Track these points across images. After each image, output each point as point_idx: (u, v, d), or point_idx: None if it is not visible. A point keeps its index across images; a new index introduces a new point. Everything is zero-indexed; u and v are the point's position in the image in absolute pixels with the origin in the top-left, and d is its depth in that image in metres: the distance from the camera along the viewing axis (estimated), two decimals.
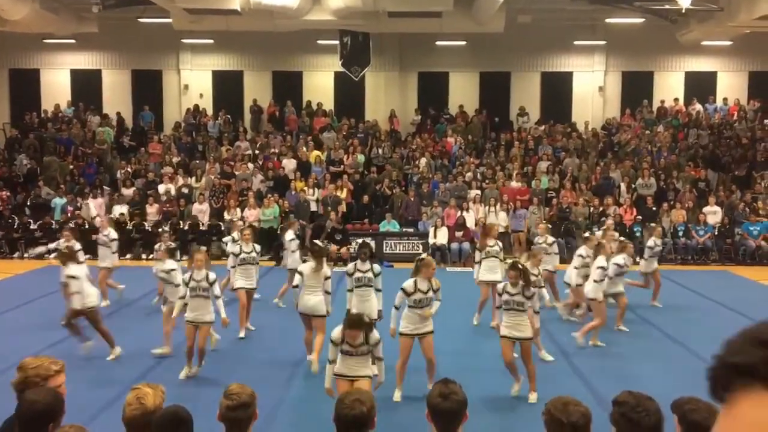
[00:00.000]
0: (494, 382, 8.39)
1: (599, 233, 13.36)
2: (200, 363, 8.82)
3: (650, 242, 13.47)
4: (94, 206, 19.53)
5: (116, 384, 7.96)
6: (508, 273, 8.34)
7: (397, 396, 7.93)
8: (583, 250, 11.49)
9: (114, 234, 12.80)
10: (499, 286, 8.46)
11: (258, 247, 11.42)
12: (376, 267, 9.28)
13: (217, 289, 8.86)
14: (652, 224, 15.73)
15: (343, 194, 19.93)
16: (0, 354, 9.23)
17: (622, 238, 12.44)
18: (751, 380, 0.60)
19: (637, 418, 3.12)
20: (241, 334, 10.55)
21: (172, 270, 9.73)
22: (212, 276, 8.81)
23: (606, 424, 3.29)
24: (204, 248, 10.01)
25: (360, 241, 11.81)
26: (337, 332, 6.45)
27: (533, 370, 8.09)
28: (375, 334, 6.53)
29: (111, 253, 12.70)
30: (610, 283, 10.43)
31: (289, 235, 12.87)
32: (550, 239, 13.20)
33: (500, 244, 12.01)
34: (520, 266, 8.13)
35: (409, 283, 8.06)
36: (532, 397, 7.97)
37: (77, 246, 11.67)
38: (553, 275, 12.56)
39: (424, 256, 8.99)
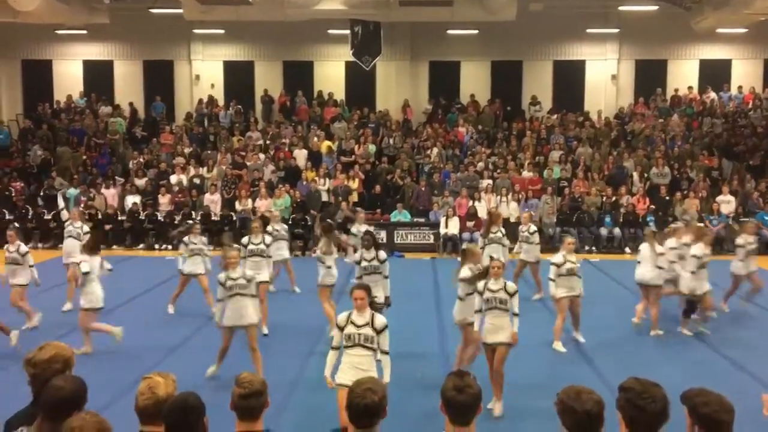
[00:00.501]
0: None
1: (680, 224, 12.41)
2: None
3: (740, 240, 12.02)
4: (108, 196, 19.70)
5: (129, 374, 8.02)
6: (490, 265, 7.62)
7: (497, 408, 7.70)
8: (698, 249, 10.45)
9: (24, 247, 11.05)
10: (479, 285, 7.62)
11: (268, 239, 10.97)
12: (381, 254, 9.37)
13: (253, 288, 8.38)
14: (745, 219, 14.93)
15: (354, 184, 19.94)
16: (13, 345, 9.33)
17: (700, 224, 11.97)
18: None
19: (643, 404, 3.10)
20: (264, 330, 10.17)
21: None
22: (249, 273, 8.44)
23: (613, 410, 3.28)
24: (236, 246, 9.62)
25: (362, 229, 11.74)
26: (342, 315, 6.34)
27: (502, 380, 7.45)
28: (381, 318, 6.33)
29: (27, 267, 10.90)
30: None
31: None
32: (533, 228, 12.79)
33: (503, 230, 12.06)
34: (503, 261, 7.75)
35: (465, 272, 8.04)
36: (498, 408, 7.38)
37: None
38: (536, 266, 12.47)
39: (466, 245, 9.06)
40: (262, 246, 10.71)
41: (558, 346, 9.67)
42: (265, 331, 10.19)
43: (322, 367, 6.38)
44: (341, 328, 6.26)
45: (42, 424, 3.23)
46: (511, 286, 7.57)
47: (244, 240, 10.88)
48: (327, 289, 10.08)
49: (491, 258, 8.31)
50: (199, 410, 3.28)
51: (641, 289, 10.70)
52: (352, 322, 6.23)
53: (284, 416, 7.12)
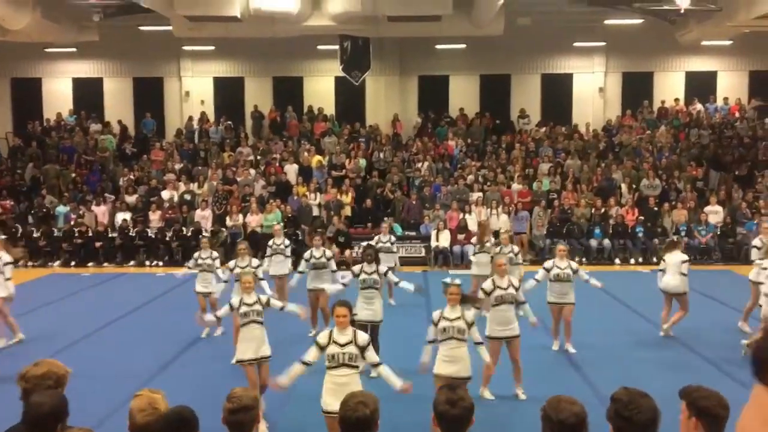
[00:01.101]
0: (495, 377, 8.42)
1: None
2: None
3: (756, 241, 11.85)
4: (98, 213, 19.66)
5: (121, 392, 7.99)
6: (448, 291, 7.18)
7: (487, 394, 8.14)
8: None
9: (7, 257, 10.60)
10: (435, 314, 7.20)
11: (255, 262, 10.74)
12: (382, 268, 9.54)
13: (277, 303, 8.06)
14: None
15: (347, 199, 20.00)
16: (8, 360, 9.28)
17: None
18: None
19: (629, 414, 3.14)
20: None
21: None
22: (264, 297, 7.86)
23: (603, 420, 3.33)
24: (252, 269, 9.43)
25: (365, 244, 11.81)
26: (323, 334, 6.25)
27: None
28: (363, 335, 6.26)
29: (4, 280, 10.54)
30: None
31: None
32: (516, 249, 12.54)
33: (493, 240, 12.16)
34: (459, 284, 7.28)
35: (487, 284, 8.28)
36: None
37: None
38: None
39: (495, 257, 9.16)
40: (249, 269, 10.17)
41: (554, 345, 10.24)
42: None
43: (312, 384, 6.37)
44: (322, 348, 6.13)
45: None
46: (469, 315, 7.16)
47: (231, 264, 10.50)
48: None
49: (446, 284, 7.60)
50: (194, 423, 3.31)
51: (665, 297, 10.86)
52: (335, 342, 6.09)
53: (281, 422, 7.12)
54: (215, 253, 11.60)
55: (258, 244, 18.72)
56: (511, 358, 8.29)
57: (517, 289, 8.34)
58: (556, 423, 3.23)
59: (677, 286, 10.61)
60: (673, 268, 10.64)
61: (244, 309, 7.55)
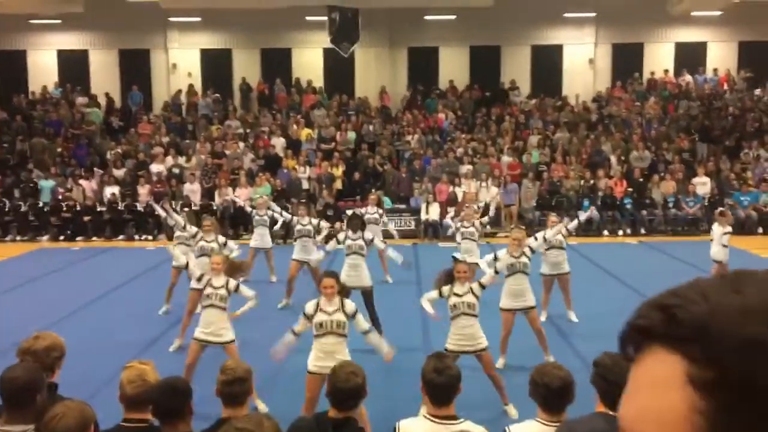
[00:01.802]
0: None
1: None
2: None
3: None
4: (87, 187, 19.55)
5: (111, 365, 8.01)
6: (455, 268, 7.07)
7: (500, 363, 8.09)
8: None
9: None
10: (445, 289, 6.99)
11: (221, 239, 10.30)
12: (368, 235, 9.62)
13: (246, 291, 7.55)
14: None
15: (338, 172, 19.96)
16: None
17: None
18: (651, 341, 0.68)
19: (614, 378, 3.23)
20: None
21: None
22: (233, 283, 7.39)
23: (589, 387, 3.41)
24: (225, 252, 8.98)
25: (349, 212, 11.81)
26: (310, 304, 6.27)
27: (501, 380, 7.11)
28: (351, 303, 6.29)
29: None
30: None
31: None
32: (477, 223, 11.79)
33: (476, 224, 11.52)
34: (465, 260, 7.40)
35: (502, 254, 8.16)
36: (512, 412, 6.92)
37: None
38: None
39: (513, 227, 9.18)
40: (213, 245, 9.91)
41: (542, 316, 10.01)
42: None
43: (302, 358, 6.42)
44: (309, 317, 6.17)
45: (9, 415, 3.27)
46: (477, 289, 7.02)
47: (197, 238, 10.12)
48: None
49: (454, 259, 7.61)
50: (187, 393, 3.35)
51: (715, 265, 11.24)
52: (322, 310, 6.11)
53: (274, 396, 7.18)
54: (221, 237, 10.65)
55: (247, 217, 18.75)
56: (533, 329, 8.33)
57: (529, 258, 8.34)
58: (542, 386, 3.35)
59: (716, 253, 11.17)
60: (717, 239, 11.22)
61: (208, 290, 7.22)
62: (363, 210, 13.89)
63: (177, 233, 10.99)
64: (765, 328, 0.61)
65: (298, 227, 11.25)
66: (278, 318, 10.34)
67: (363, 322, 6.38)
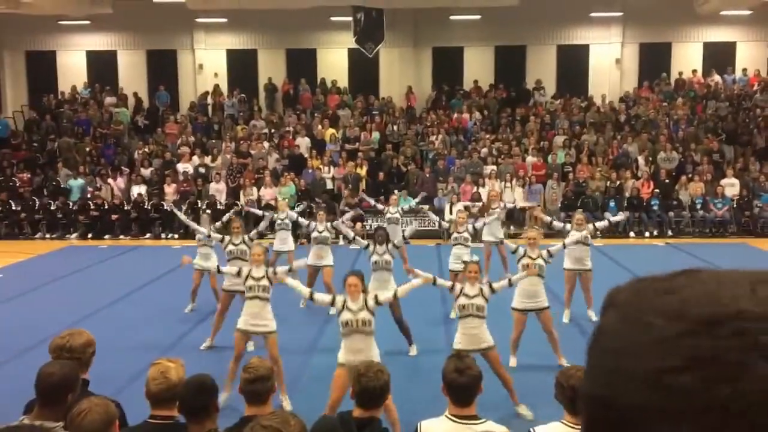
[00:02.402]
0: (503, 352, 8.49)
1: None
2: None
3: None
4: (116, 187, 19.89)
5: (139, 362, 8.13)
6: (467, 268, 7.28)
7: (512, 362, 8.19)
8: None
9: None
10: (457, 288, 7.16)
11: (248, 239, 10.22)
12: (393, 244, 9.59)
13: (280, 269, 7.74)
14: None
15: (363, 172, 20.01)
16: (26, 332, 9.47)
17: None
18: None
19: None
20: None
21: None
22: (271, 270, 7.56)
23: None
24: (264, 243, 9.21)
25: (376, 225, 11.62)
26: (339, 298, 6.39)
27: (510, 381, 7.09)
28: (371, 300, 6.34)
29: None
30: None
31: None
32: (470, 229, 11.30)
33: (470, 228, 11.25)
34: (477, 260, 7.78)
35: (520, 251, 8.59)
36: (524, 412, 6.94)
37: None
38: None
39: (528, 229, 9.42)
40: (243, 247, 9.83)
41: (565, 317, 10.15)
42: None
43: (326, 358, 6.46)
44: (334, 305, 6.49)
45: (40, 411, 3.32)
46: (487, 291, 7.09)
47: (225, 241, 10.01)
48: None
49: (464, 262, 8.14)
50: (214, 391, 3.40)
51: None
52: (348, 308, 6.19)
53: (297, 396, 7.23)
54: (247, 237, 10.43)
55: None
56: (544, 330, 8.32)
57: (546, 261, 8.41)
58: (567, 389, 3.35)
59: None
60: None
61: (250, 282, 7.35)
62: (385, 209, 13.91)
63: (198, 236, 10.95)
64: (604, 387, 0.61)
65: (315, 234, 11.18)
66: (299, 318, 10.41)
67: (386, 294, 6.76)
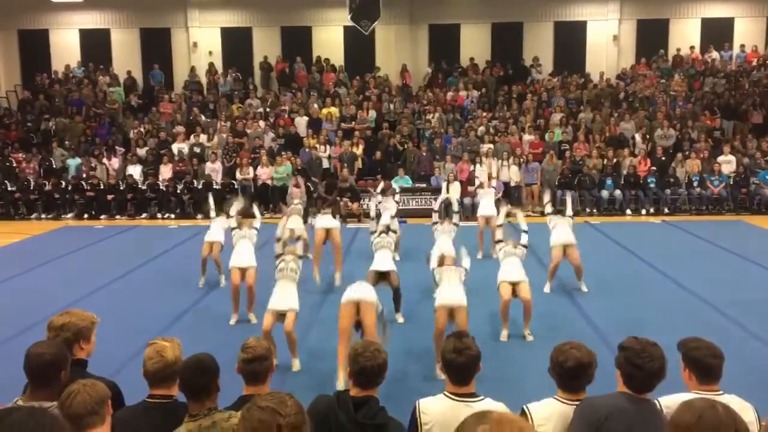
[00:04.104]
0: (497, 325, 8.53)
1: None
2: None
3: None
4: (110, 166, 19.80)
5: (137, 341, 8.13)
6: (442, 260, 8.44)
7: (503, 336, 8.54)
8: None
9: None
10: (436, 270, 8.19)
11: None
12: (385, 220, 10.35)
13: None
14: None
15: (358, 151, 19.94)
16: (23, 313, 9.47)
17: None
18: None
19: (641, 362, 3.27)
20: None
21: None
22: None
23: (614, 368, 3.43)
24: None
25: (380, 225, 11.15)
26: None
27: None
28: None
29: None
30: None
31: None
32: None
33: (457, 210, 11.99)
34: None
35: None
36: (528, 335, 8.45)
37: None
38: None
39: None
40: (253, 232, 10.13)
41: (546, 288, 10.55)
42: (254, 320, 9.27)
43: (323, 337, 6.45)
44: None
45: (32, 392, 3.31)
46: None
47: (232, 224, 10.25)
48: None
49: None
50: (214, 370, 3.39)
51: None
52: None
53: (287, 380, 7.25)
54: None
55: (268, 196, 18.83)
56: (522, 300, 8.59)
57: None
58: (558, 365, 3.45)
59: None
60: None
61: (281, 265, 7.97)
62: (376, 190, 13.88)
63: (213, 215, 11.65)
64: None
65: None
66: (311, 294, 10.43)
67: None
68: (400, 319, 9.26)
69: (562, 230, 10.63)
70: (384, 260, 9.33)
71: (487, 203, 13.56)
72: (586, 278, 10.66)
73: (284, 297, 7.69)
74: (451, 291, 7.42)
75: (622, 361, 3.36)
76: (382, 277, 9.08)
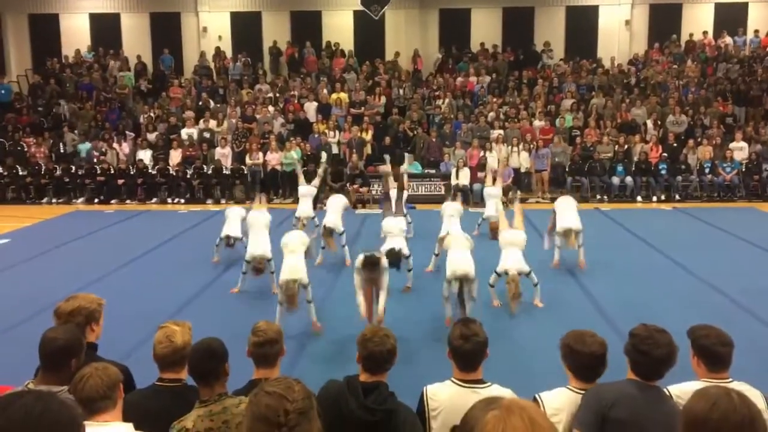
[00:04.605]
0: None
1: None
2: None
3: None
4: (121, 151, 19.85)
5: (148, 324, 8.17)
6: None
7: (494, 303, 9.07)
8: None
9: None
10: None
11: None
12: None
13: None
14: None
15: (368, 136, 19.90)
16: (34, 297, 9.53)
17: None
18: None
19: (647, 349, 3.26)
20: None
21: None
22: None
23: (621, 356, 3.42)
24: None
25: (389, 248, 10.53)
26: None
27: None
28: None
29: None
30: None
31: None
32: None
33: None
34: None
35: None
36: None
37: None
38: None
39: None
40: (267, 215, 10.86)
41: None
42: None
43: (333, 318, 6.48)
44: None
45: (44, 376, 3.33)
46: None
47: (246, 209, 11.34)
48: None
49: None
50: (223, 355, 3.40)
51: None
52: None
53: (299, 364, 7.28)
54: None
55: (278, 181, 18.85)
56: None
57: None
58: (587, 355, 3.39)
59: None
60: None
61: (285, 240, 8.59)
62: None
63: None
64: None
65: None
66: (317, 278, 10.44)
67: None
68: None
69: (567, 216, 10.73)
70: (396, 243, 9.52)
71: (490, 206, 13.27)
72: (596, 265, 10.62)
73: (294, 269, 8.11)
74: (461, 259, 7.78)
75: (629, 348, 3.35)
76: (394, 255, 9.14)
